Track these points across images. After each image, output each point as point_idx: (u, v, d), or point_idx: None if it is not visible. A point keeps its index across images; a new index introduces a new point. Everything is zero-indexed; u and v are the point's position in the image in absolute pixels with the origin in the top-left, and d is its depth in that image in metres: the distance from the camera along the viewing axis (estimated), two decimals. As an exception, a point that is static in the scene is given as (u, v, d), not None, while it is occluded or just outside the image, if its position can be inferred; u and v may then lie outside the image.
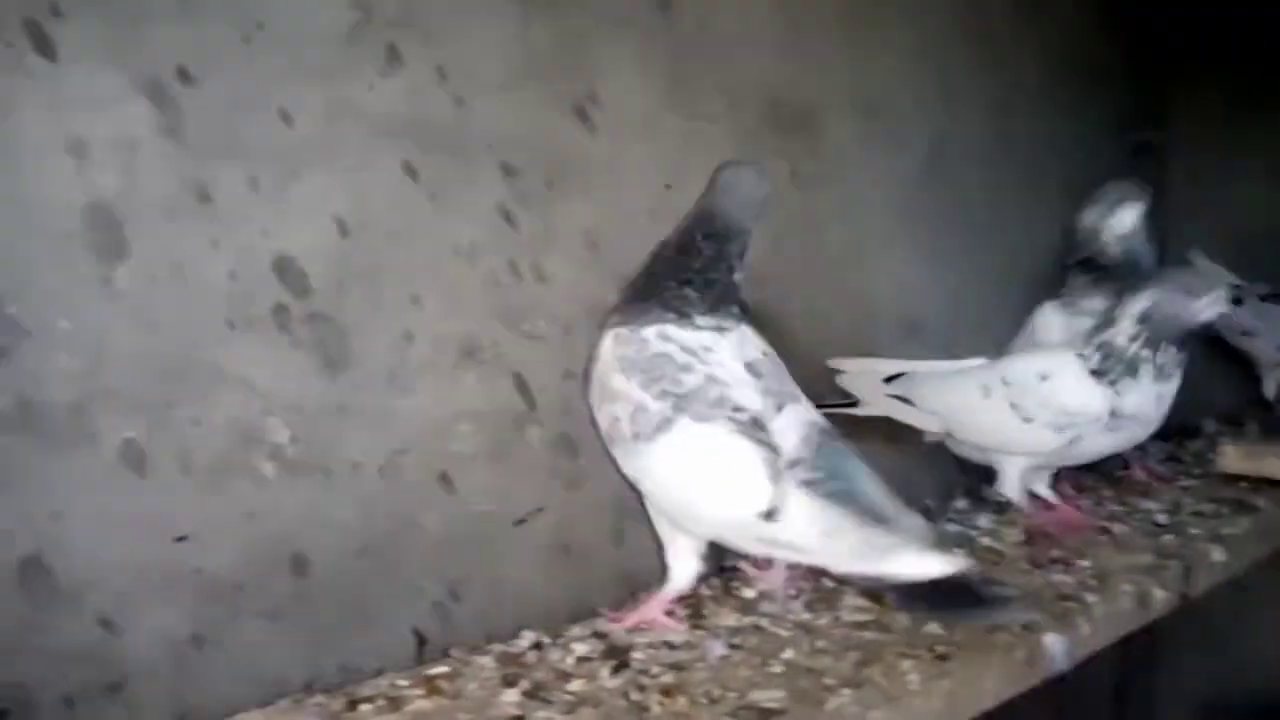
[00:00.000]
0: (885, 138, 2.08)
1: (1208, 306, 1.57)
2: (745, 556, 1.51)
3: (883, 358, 1.86)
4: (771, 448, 1.21)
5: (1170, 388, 1.58)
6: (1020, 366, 1.65)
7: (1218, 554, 1.57)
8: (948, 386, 1.68)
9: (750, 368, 1.34)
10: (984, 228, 2.28)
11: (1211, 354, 2.64)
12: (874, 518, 1.14)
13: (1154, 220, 2.16)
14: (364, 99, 1.36)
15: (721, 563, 1.56)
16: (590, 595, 1.56)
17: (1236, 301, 2.47)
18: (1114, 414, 1.55)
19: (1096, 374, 1.57)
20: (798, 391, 1.36)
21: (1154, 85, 2.79)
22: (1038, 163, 2.43)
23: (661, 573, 1.44)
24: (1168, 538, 1.62)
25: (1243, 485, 1.90)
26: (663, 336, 1.33)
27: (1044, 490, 1.73)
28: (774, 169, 1.86)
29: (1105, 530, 1.67)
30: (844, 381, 1.80)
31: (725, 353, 1.33)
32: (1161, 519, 1.74)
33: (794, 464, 1.20)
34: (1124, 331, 1.57)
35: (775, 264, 1.87)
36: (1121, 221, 1.94)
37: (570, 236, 1.59)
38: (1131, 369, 1.56)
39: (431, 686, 1.17)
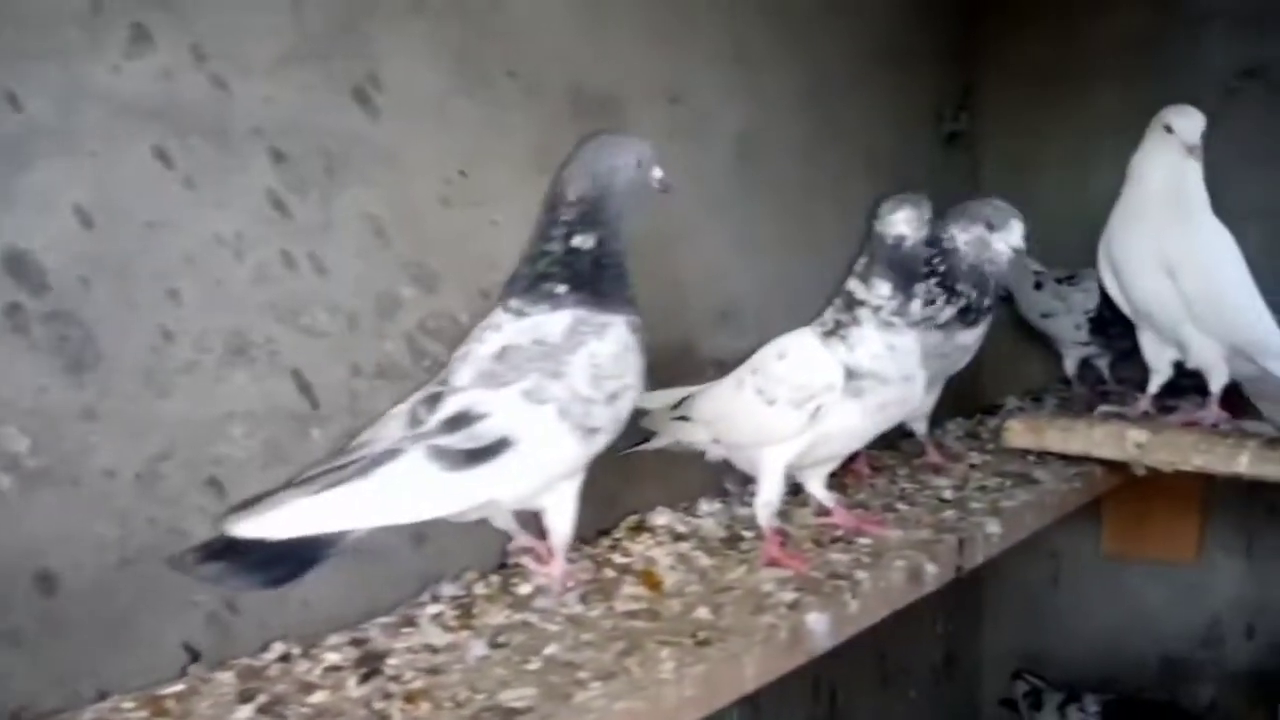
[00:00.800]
0: (692, 126, 2.07)
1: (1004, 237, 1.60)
2: (528, 551, 1.49)
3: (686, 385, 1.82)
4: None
5: (902, 341, 1.51)
6: (764, 351, 1.60)
7: (993, 526, 1.62)
8: (714, 392, 1.65)
9: (477, 358, 1.36)
10: (798, 216, 2.31)
11: (1016, 335, 2.77)
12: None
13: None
14: (107, 81, 1.27)
15: (503, 559, 1.53)
16: (386, 598, 1.51)
17: (1037, 286, 2.60)
18: (851, 374, 1.48)
19: (829, 335, 1.52)
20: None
21: (963, 73, 2.88)
22: (852, 151, 2.48)
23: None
24: (949, 513, 1.66)
25: (1030, 458, 1.97)
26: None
27: (820, 492, 1.67)
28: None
29: (892, 509, 1.70)
30: (646, 421, 1.76)
31: (486, 342, 1.37)
32: (948, 494, 1.78)
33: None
34: (857, 269, 1.54)
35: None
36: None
37: (353, 225, 1.53)
38: (854, 316, 1.51)
39: (158, 707, 1.10)
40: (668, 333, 2.04)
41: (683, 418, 1.68)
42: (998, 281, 1.85)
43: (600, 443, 1.36)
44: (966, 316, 1.84)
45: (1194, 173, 1.95)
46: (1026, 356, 2.80)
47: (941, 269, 1.86)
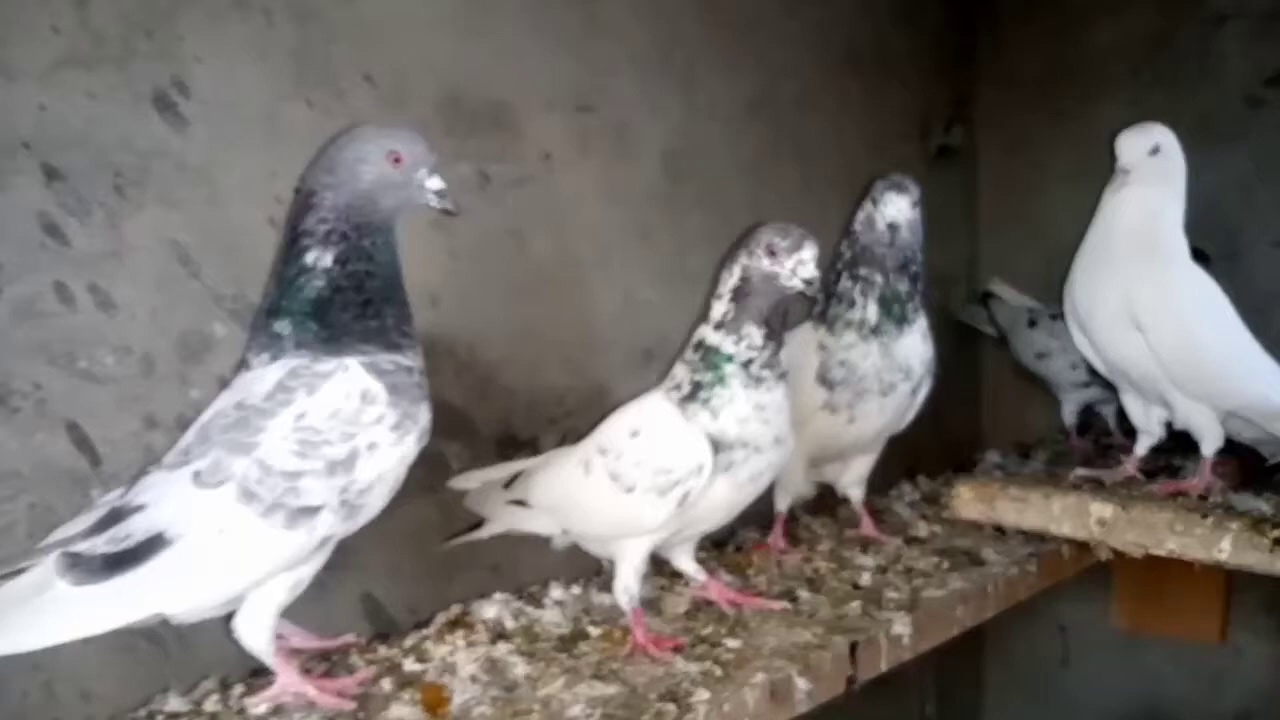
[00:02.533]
0: (608, 139, 1.83)
1: (793, 268, 1.23)
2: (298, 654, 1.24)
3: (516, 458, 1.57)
4: None
5: (772, 397, 1.26)
6: (613, 426, 1.32)
7: (901, 626, 1.29)
8: (555, 474, 1.37)
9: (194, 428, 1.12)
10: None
11: (1017, 379, 2.45)
12: None
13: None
14: None
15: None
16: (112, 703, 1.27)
17: (1031, 324, 2.29)
18: (717, 446, 1.23)
19: (688, 400, 1.25)
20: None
21: (955, 83, 2.58)
22: (813, 169, 2.21)
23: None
24: (854, 605, 1.34)
25: (987, 532, 1.65)
26: None
27: (689, 567, 1.41)
28: (454, 172, 1.63)
29: (791, 596, 1.40)
30: (470, 502, 1.50)
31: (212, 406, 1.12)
32: (865, 579, 1.48)
33: None
34: (717, 315, 1.26)
35: (454, 281, 1.62)
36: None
37: (151, 252, 1.32)
38: (720, 375, 1.24)
39: None
40: (577, 375, 1.80)
41: (519, 502, 1.41)
42: (903, 264, 1.57)
43: (333, 523, 1.09)
44: (892, 311, 1.56)
45: (1170, 211, 1.64)
46: (1030, 404, 2.48)
47: (847, 258, 1.63)
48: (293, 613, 1.45)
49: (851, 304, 1.57)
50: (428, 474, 1.60)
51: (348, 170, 1.13)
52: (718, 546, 1.62)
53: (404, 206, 1.16)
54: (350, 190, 1.13)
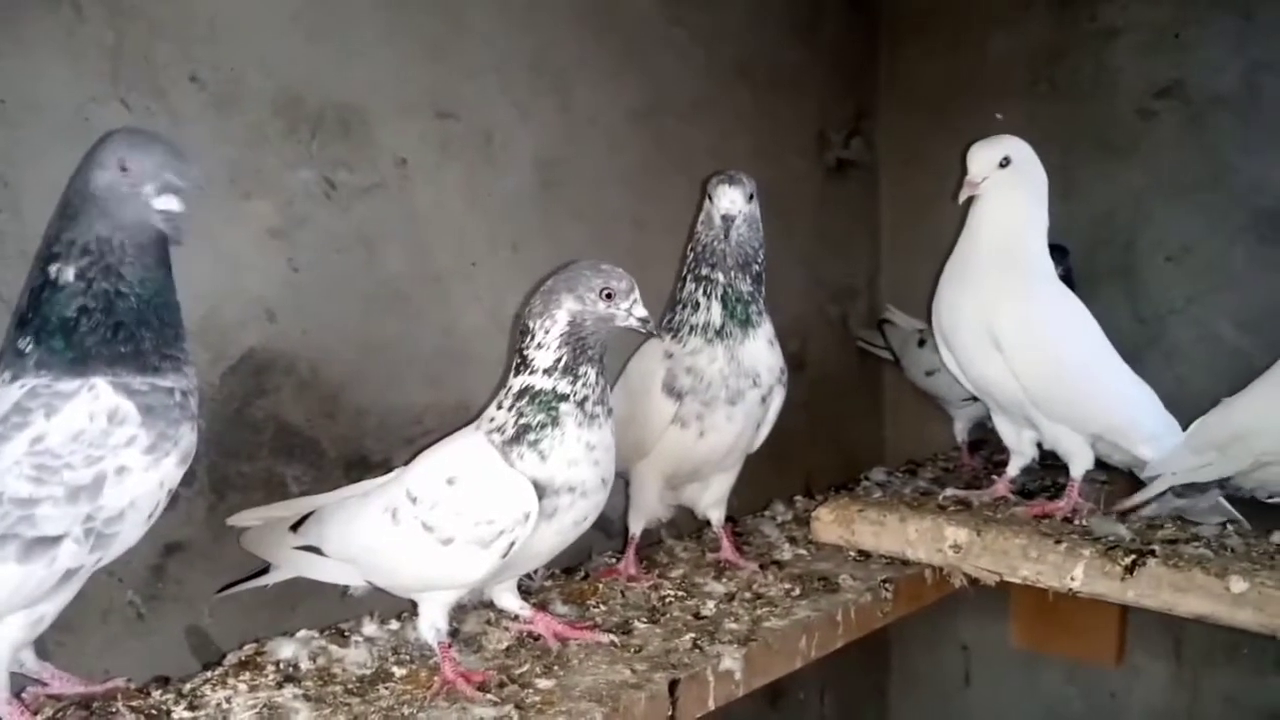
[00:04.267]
0: (472, 146, 1.76)
1: (628, 308, 1.20)
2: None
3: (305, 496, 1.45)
4: None
5: (602, 436, 1.21)
6: (425, 471, 1.23)
7: (731, 661, 1.21)
8: (355, 520, 1.26)
9: None
10: (627, 253, 1.96)
11: (906, 394, 2.41)
12: None
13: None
14: None
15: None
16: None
17: (921, 343, 2.24)
18: (543, 491, 1.17)
19: (514, 441, 1.19)
20: None
21: (854, 95, 2.54)
22: (698, 181, 2.15)
23: None
24: (687, 638, 1.27)
25: (850, 555, 1.58)
26: None
27: (512, 604, 1.34)
28: (295, 179, 1.56)
29: (627, 628, 1.32)
30: (250, 543, 1.39)
31: None
32: (709, 608, 1.38)
33: None
34: (544, 363, 1.20)
35: (294, 294, 1.54)
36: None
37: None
38: (553, 416, 1.18)
39: None
40: (437, 392, 1.72)
41: (311, 548, 1.31)
42: (744, 263, 1.52)
43: (77, 554, 1.00)
44: (735, 312, 1.51)
45: (1029, 224, 1.60)
46: (930, 421, 2.43)
47: (690, 261, 1.57)
48: (109, 645, 1.37)
49: (695, 307, 1.52)
50: (265, 498, 1.53)
51: (84, 176, 1.04)
52: (567, 573, 1.55)
53: (138, 217, 1.04)
54: (85, 198, 1.04)
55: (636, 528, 1.58)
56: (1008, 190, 1.60)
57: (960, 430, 2.22)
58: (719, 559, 1.58)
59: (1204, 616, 1.27)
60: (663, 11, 2.09)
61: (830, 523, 1.58)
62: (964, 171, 1.68)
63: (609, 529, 1.77)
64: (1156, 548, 1.35)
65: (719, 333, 1.49)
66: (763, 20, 2.31)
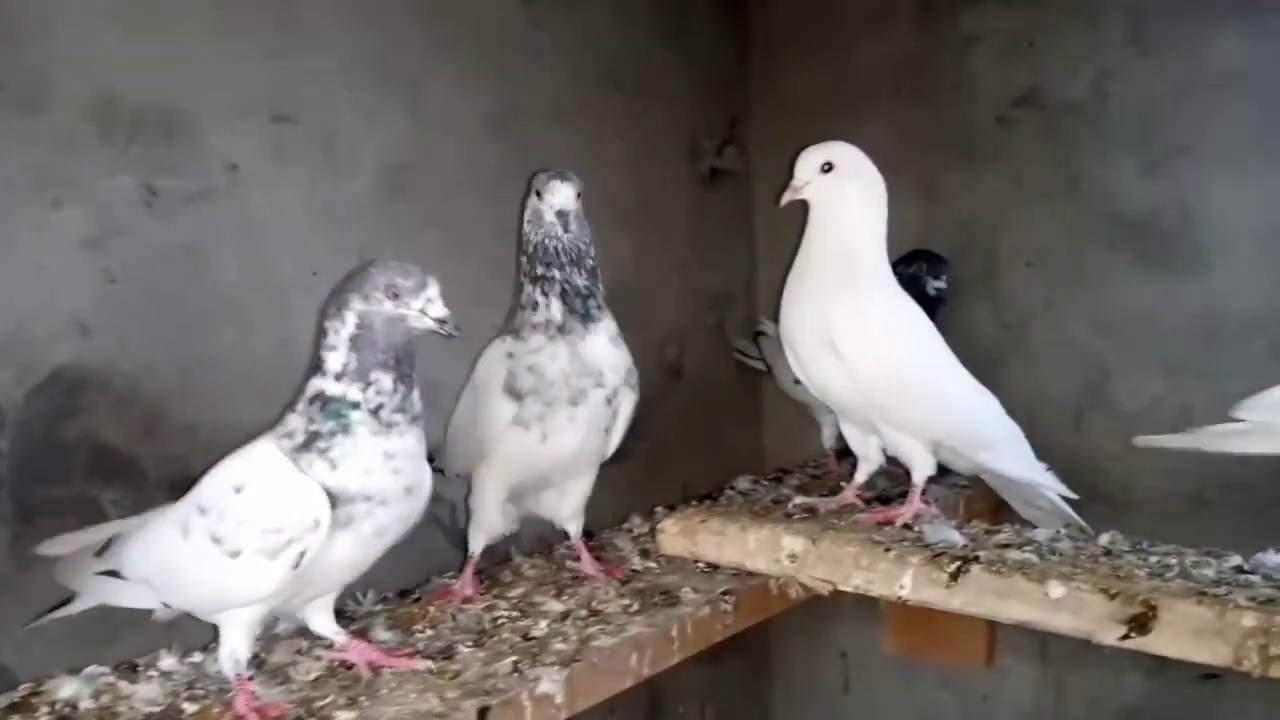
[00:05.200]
0: (312, 151, 1.70)
1: (421, 307, 1.15)
2: None
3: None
4: None
5: (403, 444, 1.16)
6: (214, 481, 1.18)
7: (550, 684, 1.15)
8: (150, 539, 1.22)
9: None
10: (483, 263, 1.92)
11: (784, 401, 2.40)
12: None
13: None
14: None
15: None
16: None
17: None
18: (336, 499, 1.12)
19: (304, 448, 1.15)
20: None
21: (727, 103, 2.54)
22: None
23: None
24: (508, 661, 1.22)
25: (700, 567, 1.55)
26: None
27: (325, 627, 1.29)
28: (112, 185, 1.48)
29: (449, 653, 1.26)
30: (60, 574, 1.31)
31: None
32: (542, 627, 1.33)
33: None
34: (335, 367, 1.16)
35: (111, 306, 1.46)
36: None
37: None
38: (344, 424, 1.14)
39: None
40: (274, 408, 1.64)
41: (112, 573, 1.25)
42: (577, 258, 1.51)
43: None
44: (575, 307, 1.49)
45: (861, 229, 1.59)
46: (807, 428, 2.43)
47: (523, 264, 1.55)
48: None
49: (535, 306, 1.49)
50: (78, 523, 1.44)
51: None
52: (402, 596, 1.49)
53: None
54: None
55: (476, 545, 1.53)
56: (836, 196, 1.60)
57: (828, 437, 2.23)
58: (578, 573, 1.55)
59: (1025, 622, 1.28)
60: (522, 14, 2.05)
61: (675, 535, 1.55)
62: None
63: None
64: (982, 554, 1.35)
65: (560, 329, 1.47)
66: (630, 26, 2.29)
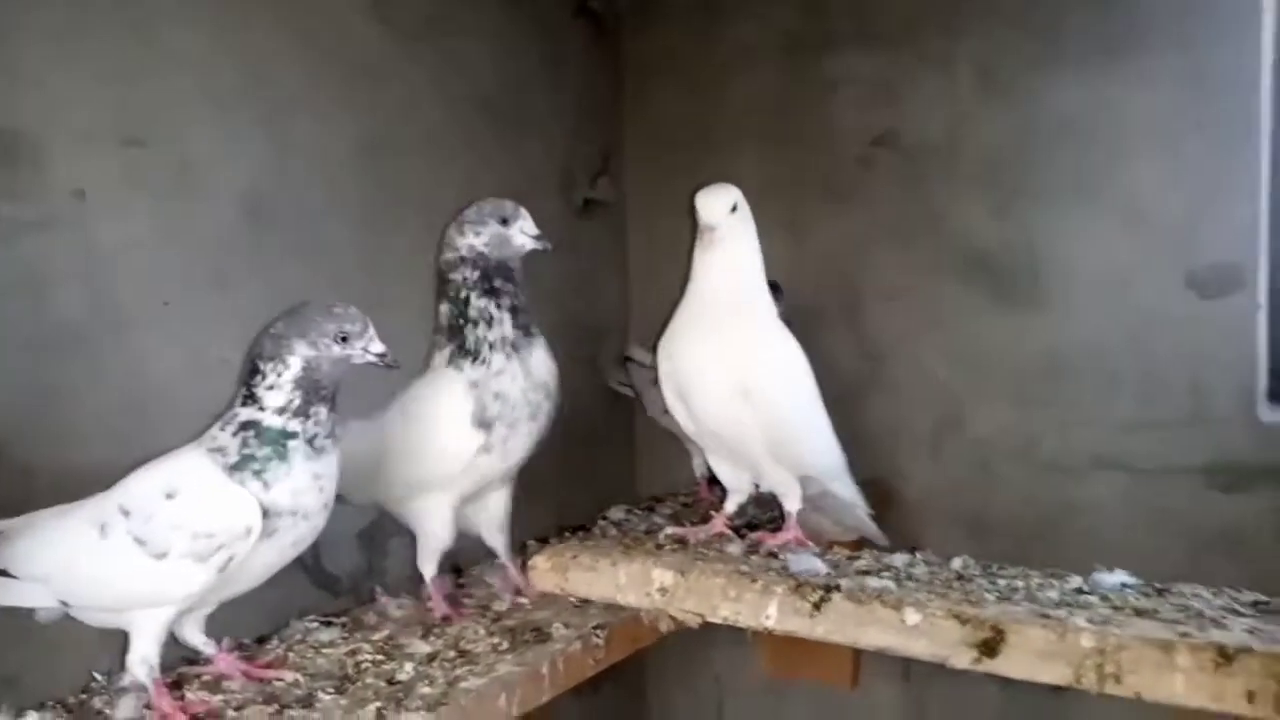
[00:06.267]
0: (166, 178, 1.63)
1: (364, 346, 1.26)
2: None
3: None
4: None
5: (329, 465, 1.25)
6: (141, 487, 1.24)
7: None
8: (52, 538, 1.25)
9: None
10: (353, 294, 1.86)
11: (658, 430, 2.43)
12: None
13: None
14: None
15: None
16: None
17: (656, 381, 2.26)
18: (268, 514, 1.20)
19: (237, 467, 1.21)
20: None
21: (602, 135, 2.57)
22: (435, 218, 2.08)
23: None
24: (372, 709, 1.16)
25: (572, 601, 1.54)
26: None
27: (197, 639, 1.34)
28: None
29: (310, 702, 1.20)
30: None
31: None
32: (408, 670, 1.30)
33: None
34: (276, 403, 1.23)
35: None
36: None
37: None
38: (281, 453, 1.22)
39: None
40: (123, 447, 1.54)
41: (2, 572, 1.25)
42: (520, 276, 1.62)
43: None
44: (519, 319, 1.58)
45: (754, 268, 1.63)
46: (682, 456, 2.46)
47: (473, 280, 1.60)
48: None
49: (490, 322, 1.56)
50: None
51: None
52: (260, 642, 1.43)
53: None
54: None
55: (431, 568, 1.58)
56: (736, 236, 1.62)
57: (699, 465, 2.26)
58: (520, 593, 1.56)
59: (885, 649, 1.32)
60: (393, 44, 2.02)
61: (547, 570, 1.55)
62: (694, 220, 1.70)
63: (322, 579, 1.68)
64: (843, 582, 1.39)
65: (514, 345, 1.55)
66: (504, 56, 2.29)
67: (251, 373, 1.26)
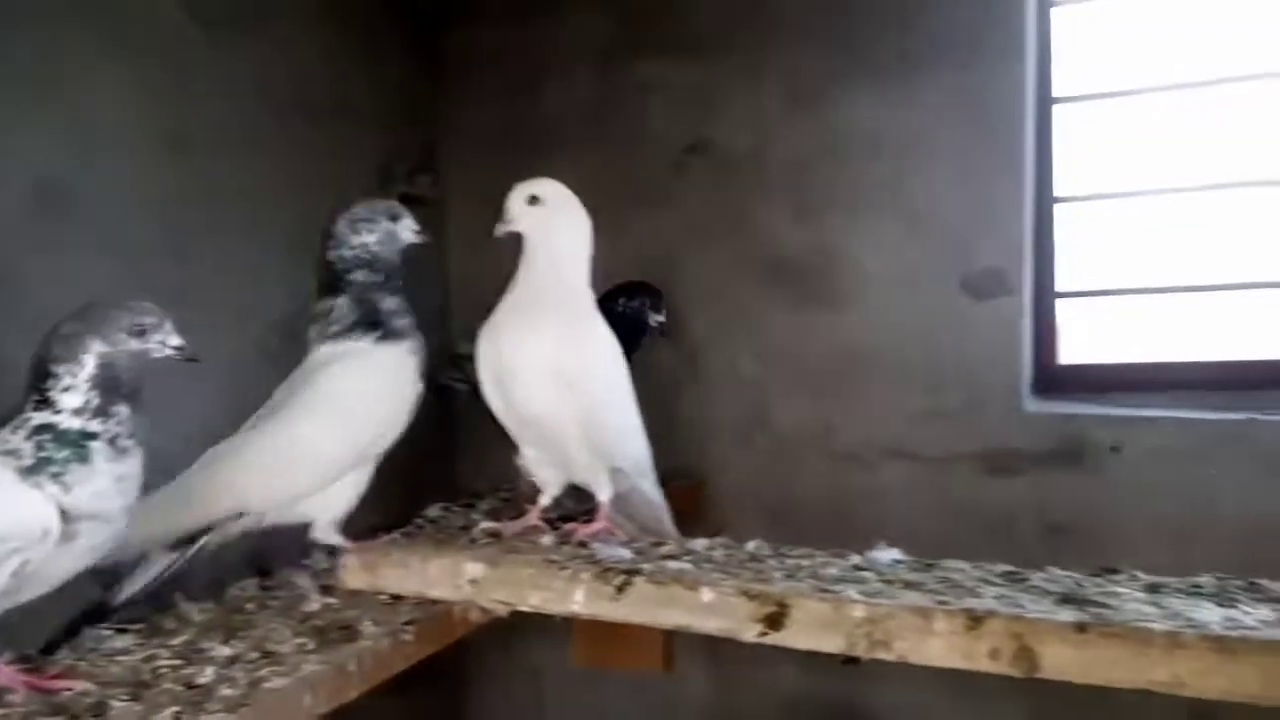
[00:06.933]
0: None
1: (162, 339, 1.23)
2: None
3: None
4: None
5: (132, 466, 1.21)
6: None
7: None
8: None
9: None
10: (156, 287, 1.81)
11: (468, 427, 2.45)
12: None
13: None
14: None
15: None
16: None
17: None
18: (68, 518, 1.16)
19: (33, 470, 1.16)
20: None
21: (423, 132, 2.58)
22: (243, 211, 2.05)
23: None
24: (168, 713, 1.14)
25: (383, 599, 1.57)
26: None
27: None
28: None
29: (99, 710, 1.18)
30: None
31: None
32: (208, 674, 1.24)
33: None
34: (72, 404, 1.19)
35: None
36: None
37: None
38: (82, 454, 1.17)
39: None
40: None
41: None
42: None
43: None
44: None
45: (570, 263, 1.69)
46: (509, 449, 2.48)
47: (378, 279, 1.65)
48: None
49: (394, 313, 1.65)
50: None
51: None
52: (46, 650, 1.37)
53: None
54: None
55: (337, 535, 1.63)
56: (545, 229, 1.67)
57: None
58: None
59: (684, 627, 1.40)
60: (202, 33, 1.98)
61: (357, 569, 1.55)
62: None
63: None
64: (646, 567, 1.47)
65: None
66: (320, 50, 2.27)
67: (43, 376, 1.21)
